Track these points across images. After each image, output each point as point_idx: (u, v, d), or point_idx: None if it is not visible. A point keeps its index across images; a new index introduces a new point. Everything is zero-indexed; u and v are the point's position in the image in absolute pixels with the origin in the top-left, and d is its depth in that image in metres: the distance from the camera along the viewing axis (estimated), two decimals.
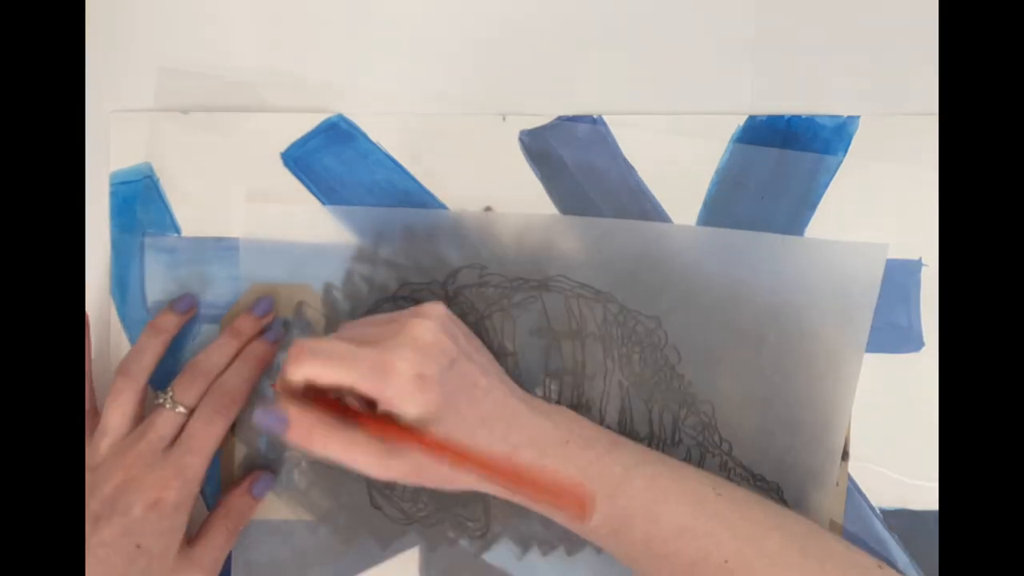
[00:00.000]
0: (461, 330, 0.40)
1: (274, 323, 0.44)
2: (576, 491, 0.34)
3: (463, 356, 0.38)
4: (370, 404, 0.37)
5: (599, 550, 0.44)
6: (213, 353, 0.42)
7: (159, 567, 0.39)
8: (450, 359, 0.37)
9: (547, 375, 0.44)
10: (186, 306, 0.43)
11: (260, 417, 0.36)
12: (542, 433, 0.39)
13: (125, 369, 0.41)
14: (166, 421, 0.40)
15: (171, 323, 0.43)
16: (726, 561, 0.36)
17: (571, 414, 0.41)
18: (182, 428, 0.41)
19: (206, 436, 0.40)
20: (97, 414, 0.42)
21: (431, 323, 0.37)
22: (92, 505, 0.38)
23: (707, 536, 0.37)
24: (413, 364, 0.36)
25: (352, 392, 0.36)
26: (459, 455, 0.35)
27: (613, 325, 0.44)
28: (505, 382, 0.40)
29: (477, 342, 0.41)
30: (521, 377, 0.44)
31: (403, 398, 0.35)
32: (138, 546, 0.38)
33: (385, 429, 0.36)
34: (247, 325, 0.43)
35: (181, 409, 0.40)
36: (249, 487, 0.43)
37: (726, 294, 0.44)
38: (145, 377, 0.41)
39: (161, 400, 0.41)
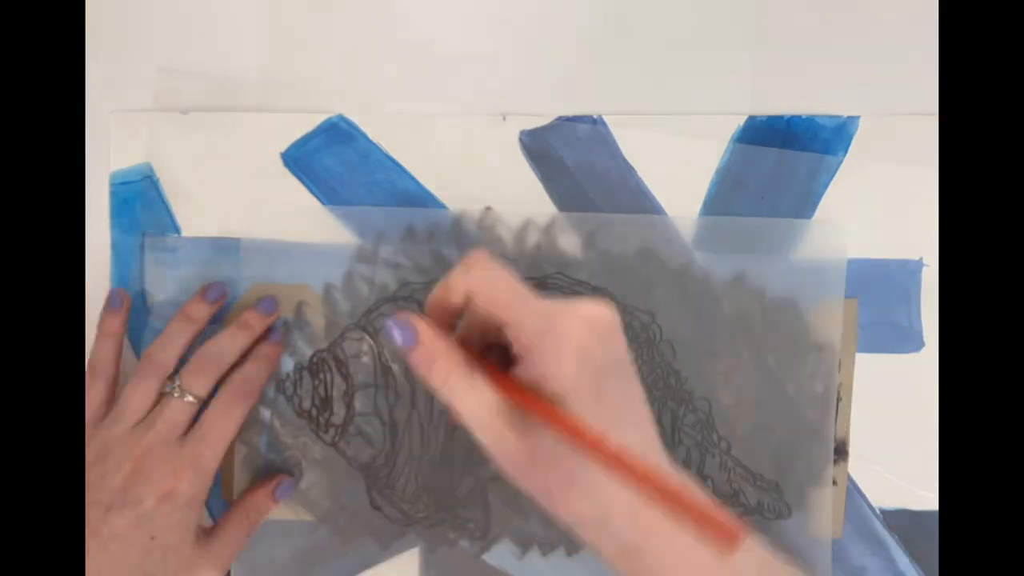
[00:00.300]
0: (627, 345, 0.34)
1: (276, 325, 0.44)
2: (729, 522, 0.28)
3: (630, 367, 0.33)
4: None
5: None
6: (222, 341, 0.42)
7: (175, 560, 0.39)
8: (618, 360, 0.32)
9: None
10: (217, 295, 0.43)
11: (391, 327, 0.33)
12: None
13: (151, 356, 0.41)
14: (175, 410, 0.40)
15: (202, 312, 0.42)
16: None
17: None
18: (191, 418, 0.40)
19: (223, 427, 0.40)
20: (113, 401, 0.42)
21: (614, 312, 0.32)
22: (102, 495, 0.38)
23: None
24: (583, 336, 0.31)
25: (498, 338, 0.33)
26: (604, 445, 0.29)
27: None
28: (653, 422, 0.34)
29: (635, 364, 0.34)
30: None
31: (558, 362, 0.30)
32: (153, 538, 0.38)
33: (523, 393, 0.31)
34: (255, 319, 0.43)
35: (190, 398, 0.40)
36: (273, 489, 0.43)
37: (716, 285, 0.44)
38: (171, 366, 0.41)
39: (169, 389, 0.40)
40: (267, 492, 0.43)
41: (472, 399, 0.32)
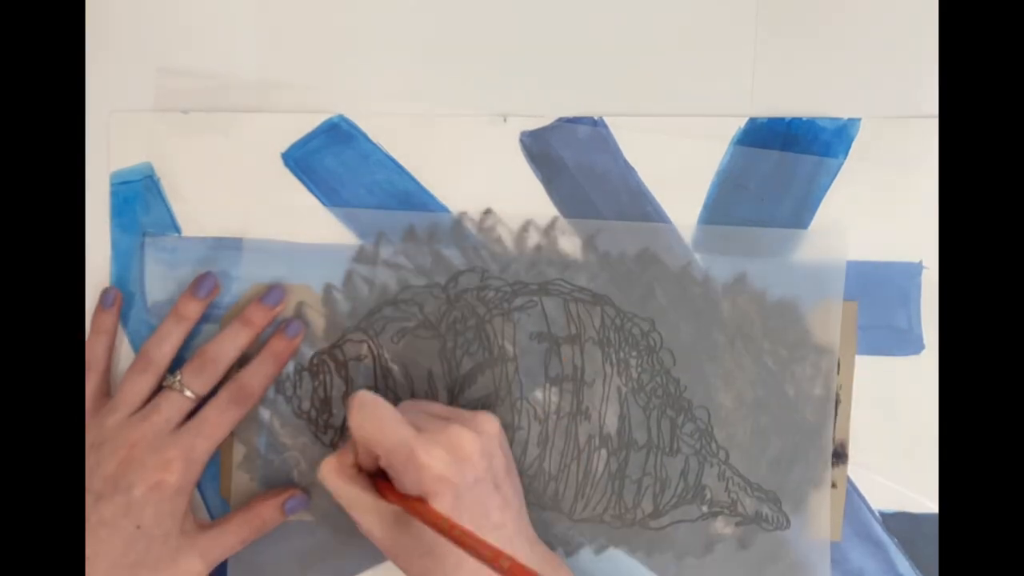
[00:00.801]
0: (504, 457, 0.39)
1: (295, 320, 0.44)
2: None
3: (491, 482, 0.38)
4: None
5: (597, 551, 0.44)
6: (224, 341, 0.42)
7: (159, 549, 0.39)
8: (476, 477, 0.37)
9: (547, 381, 0.44)
10: (207, 290, 0.43)
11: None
12: None
13: (146, 352, 0.42)
14: (172, 404, 0.40)
15: (193, 309, 0.43)
16: None
17: (561, 562, 0.41)
18: (188, 414, 0.41)
19: (218, 423, 0.41)
20: (107, 393, 0.43)
21: (475, 437, 0.37)
22: (94, 483, 0.39)
23: None
24: (442, 465, 0.36)
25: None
26: (461, 529, 0.34)
27: (611, 329, 0.44)
28: (520, 526, 0.39)
29: (514, 476, 0.40)
30: (522, 383, 0.44)
31: (420, 486, 0.36)
32: (138, 527, 0.39)
33: (401, 497, 0.37)
34: (258, 315, 0.43)
35: (189, 394, 0.41)
36: (283, 503, 0.43)
37: (716, 287, 0.44)
38: (166, 363, 0.42)
39: (169, 383, 0.41)
40: (277, 504, 0.43)
41: (348, 491, 0.38)
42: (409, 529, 0.37)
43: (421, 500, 0.36)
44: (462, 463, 0.36)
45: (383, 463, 0.37)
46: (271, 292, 0.43)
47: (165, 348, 0.42)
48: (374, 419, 0.36)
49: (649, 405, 0.44)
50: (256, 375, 0.42)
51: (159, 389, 0.41)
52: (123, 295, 0.44)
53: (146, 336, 0.44)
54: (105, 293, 0.44)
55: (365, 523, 0.38)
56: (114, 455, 0.39)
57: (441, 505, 0.35)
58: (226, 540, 0.42)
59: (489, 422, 0.39)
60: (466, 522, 0.35)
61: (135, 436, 0.39)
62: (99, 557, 0.38)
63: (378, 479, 0.38)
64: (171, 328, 0.42)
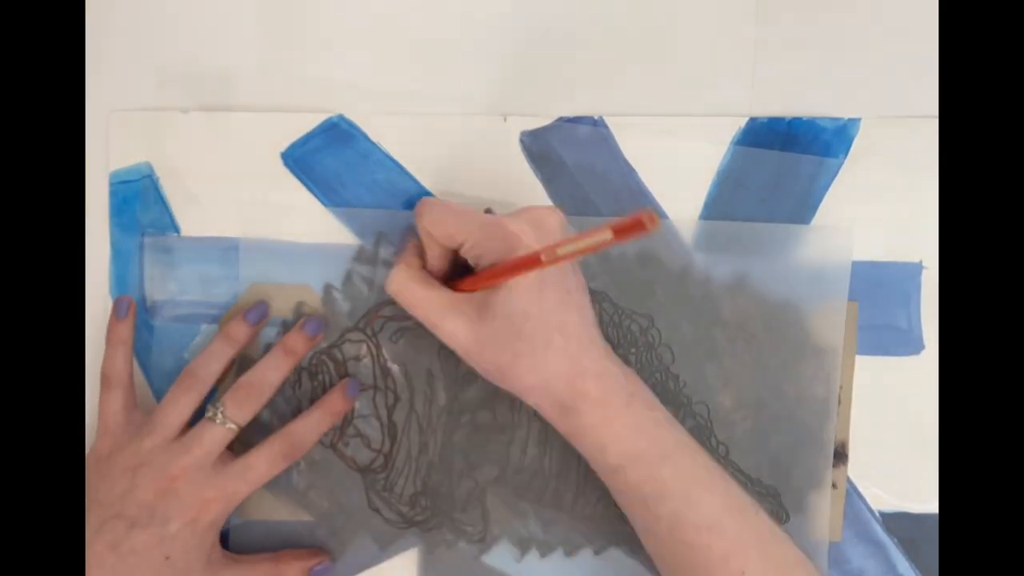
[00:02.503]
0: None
1: (352, 382, 0.43)
2: (632, 215, 0.30)
3: (568, 265, 0.38)
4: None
5: (597, 551, 0.44)
6: (267, 371, 0.41)
7: None
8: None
9: None
10: (258, 317, 0.43)
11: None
12: (610, 376, 0.38)
13: (193, 371, 0.41)
14: (214, 436, 0.40)
15: (243, 333, 0.42)
16: (743, 573, 0.37)
17: (637, 378, 0.40)
18: (228, 444, 0.40)
19: (262, 474, 0.40)
20: (134, 407, 0.42)
21: (555, 211, 0.38)
22: (127, 508, 0.38)
23: (736, 540, 0.37)
24: (531, 235, 0.36)
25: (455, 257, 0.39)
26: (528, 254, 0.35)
27: (609, 326, 0.44)
28: (591, 313, 0.39)
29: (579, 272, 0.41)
30: None
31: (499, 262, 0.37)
32: (167, 558, 0.38)
33: (474, 278, 0.38)
34: (300, 343, 0.42)
35: (231, 426, 0.40)
36: (310, 567, 0.42)
37: (716, 288, 0.44)
38: (211, 382, 0.41)
39: (211, 414, 0.40)
40: (303, 569, 0.42)
41: (425, 295, 0.39)
42: (495, 317, 0.37)
43: (519, 260, 0.36)
44: (547, 235, 0.37)
45: (466, 248, 0.38)
46: (309, 323, 0.43)
47: (212, 368, 0.41)
48: (451, 211, 0.38)
49: None
50: (308, 429, 0.41)
51: (200, 410, 0.41)
52: (120, 293, 0.44)
53: (143, 335, 0.44)
54: (119, 302, 0.43)
55: (449, 325, 0.38)
56: (153, 483, 0.39)
57: (527, 280, 0.36)
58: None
59: (556, 210, 0.39)
60: (550, 296, 0.37)
61: (176, 468, 0.39)
62: None
63: (453, 281, 0.39)
64: (219, 349, 0.42)
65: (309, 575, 0.42)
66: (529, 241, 0.36)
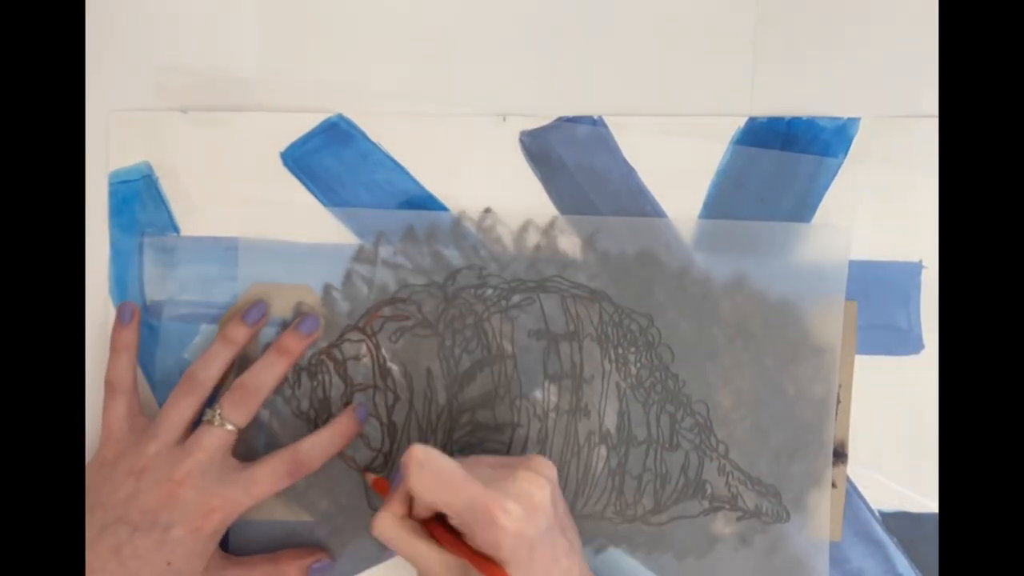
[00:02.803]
0: (562, 500, 0.39)
1: (360, 409, 0.43)
2: None
3: (558, 527, 0.37)
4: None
5: (597, 551, 0.44)
6: (263, 372, 0.42)
7: None
8: (548, 525, 0.36)
9: (546, 378, 0.44)
10: (256, 317, 0.43)
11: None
12: None
13: (192, 375, 0.41)
14: (215, 439, 0.40)
15: (241, 335, 0.42)
16: None
17: None
18: (231, 445, 0.40)
19: (266, 487, 0.40)
20: (139, 413, 0.42)
21: (545, 483, 0.37)
22: (131, 513, 0.38)
23: None
24: (518, 520, 0.35)
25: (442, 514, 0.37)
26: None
27: (609, 325, 0.44)
28: (583, 568, 0.39)
29: (571, 518, 0.40)
30: (521, 381, 0.44)
31: (498, 546, 0.35)
32: (168, 564, 0.38)
33: (464, 550, 0.36)
34: (295, 342, 0.43)
35: (230, 427, 0.40)
36: (309, 565, 0.43)
37: (716, 287, 0.44)
38: (211, 385, 0.41)
39: (209, 417, 0.40)
40: (302, 567, 0.43)
41: (411, 545, 0.37)
42: None
43: (493, 565, 0.35)
44: (535, 513, 0.36)
45: (454, 521, 0.36)
46: (305, 321, 0.43)
47: (212, 371, 0.41)
48: (439, 479, 0.36)
49: (648, 401, 0.44)
50: (316, 450, 0.41)
51: (201, 421, 0.41)
52: (122, 295, 0.44)
53: (145, 337, 0.44)
54: (123, 308, 0.43)
55: (431, 573, 0.37)
56: (156, 488, 0.39)
57: (518, 561, 0.35)
58: None
59: (547, 465, 0.38)
60: (539, 571, 0.36)
61: (180, 473, 0.39)
62: None
63: (433, 526, 0.38)
64: (218, 351, 0.42)
65: (308, 573, 0.43)
66: (518, 528, 0.35)
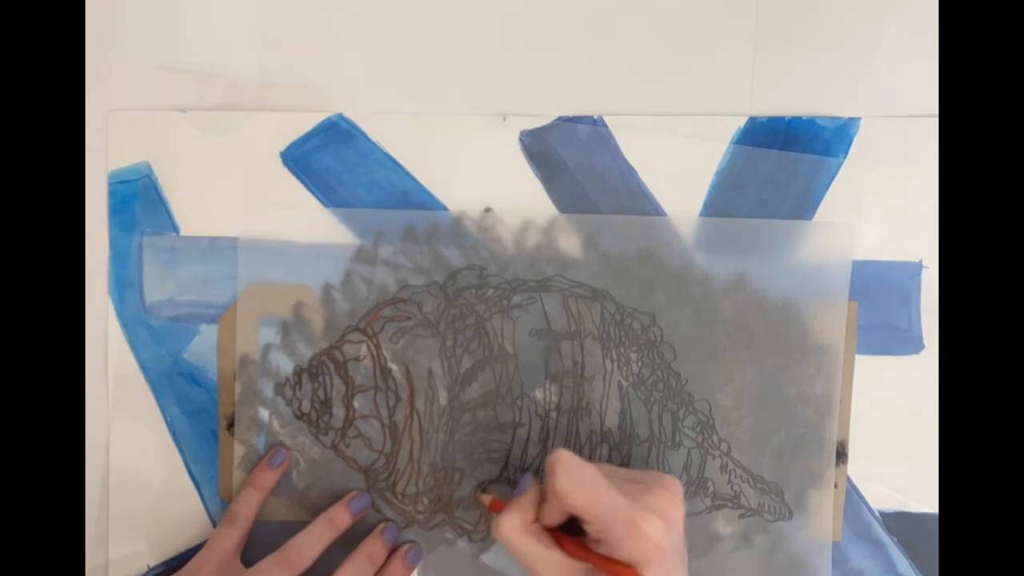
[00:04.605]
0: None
1: (357, 500, 0.44)
2: None
3: (681, 544, 0.38)
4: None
5: None
6: (307, 541, 0.42)
7: None
8: (679, 542, 0.37)
9: (548, 378, 0.44)
10: (279, 460, 0.44)
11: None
12: None
13: (290, 550, 0.42)
14: None
15: (344, 521, 0.43)
16: None
17: None
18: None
19: None
20: (239, 552, 0.43)
21: (679, 503, 0.38)
22: None
23: None
24: (660, 534, 0.36)
25: (579, 521, 0.37)
26: None
27: (610, 324, 0.44)
28: None
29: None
30: (522, 380, 0.44)
31: (635, 556, 0.36)
32: None
33: (593, 555, 0.37)
34: (343, 517, 0.43)
35: None
36: (348, 503, 0.43)
37: (716, 287, 0.44)
38: (306, 566, 0.42)
39: None
40: (343, 506, 0.43)
41: (536, 551, 0.37)
42: None
43: (628, 567, 0.36)
44: (672, 528, 0.37)
45: (592, 528, 0.37)
46: (358, 498, 0.44)
47: (313, 550, 0.42)
48: (584, 483, 0.36)
49: (650, 399, 0.44)
50: (307, 547, 0.42)
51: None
52: (121, 295, 0.44)
53: (141, 334, 0.44)
54: (276, 452, 0.44)
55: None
56: None
57: (654, 571, 0.36)
58: None
59: (677, 484, 0.39)
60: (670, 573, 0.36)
61: None
62: None
63: (559, 534, 0.38)
64: (322, 531, 0.43)
65: (350, 508, 0.43)
66: (659, 540, 0.36)
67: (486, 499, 0.42)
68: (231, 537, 0.43)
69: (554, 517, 0.38)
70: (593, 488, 0.36)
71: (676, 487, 0.38)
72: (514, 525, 0.38)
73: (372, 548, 0.43)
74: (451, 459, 0.44)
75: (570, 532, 0.38)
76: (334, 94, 0.44)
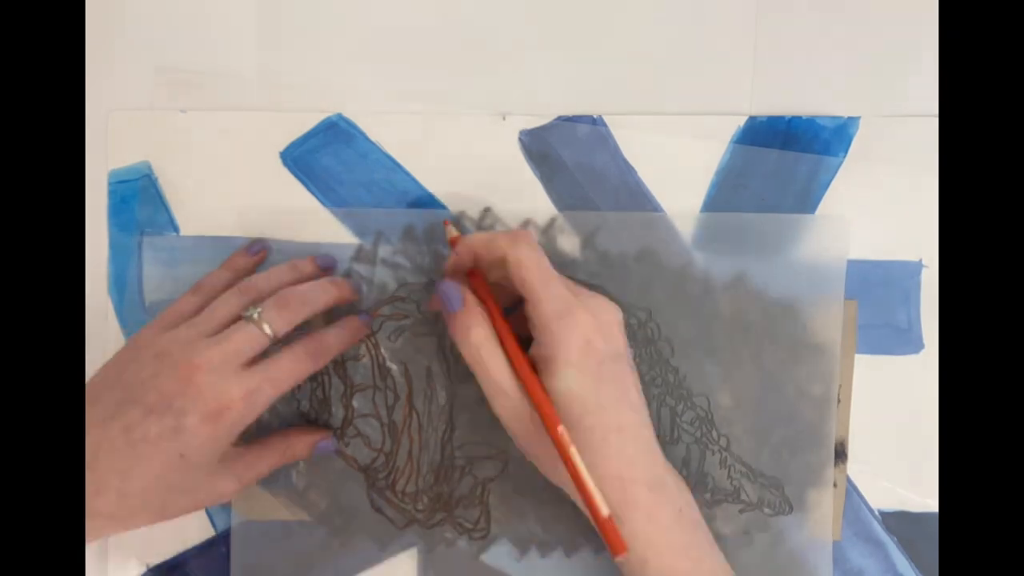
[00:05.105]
0: (629, 347, 0.40)
1: (363, 314, 0.43)
2: (620, 540, 0.35)
3: (627, 359, 0.38)
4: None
5: (597, 551, 0.44)
6: (314, 288, 0.40)
7: (196, 475, 0.38)
8: (617, 352, 0.38)
9: None
10: (257, 249, 0.44)
11: (445, 288, 0.38)
12: (663, 486, 0.38)
13: (253, 281, 0.41)
14: (248, 337, 0.38)
15: (307, 269, 0.42)
16: None
17: (687, 487, 0.40)
18: (260, 352, 0.38)
19: (290, 373, 0.38)
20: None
21: (617, 311, 0.39)
22: (148, 395, 0.36)
23: None
24: (591, 328, 0.37)
25: (514, 307, 0.38)
26: (566, 458, 0.36)
27: None
28: (647, 415, 0.39)
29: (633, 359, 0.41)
30: None
31: (567, 345, 0.36)
32: (181, 456, 0.36)
33: (528, 372, 0.37)
34: (348, 286, 0.42)
35: (267, 330, 0.38)
36: (315, 442, 0.43)
37: (715, 286, 0.44)
38: (264, 296, 0.40)
39: (249, 314, 0.38)
40: (309, 443, 0.42)
41: (496, 368, 0.37)
42: (543, 431, 0.37)
43: (554, 418, 0.36)
44: (607, 332, 0.37)
45: (530, 308, 0.37)
46: (325, 258, 0.43)
47: (272, 283, 0.41)
48: (541, 264, 0.37)
49: (648, 395, 0.44)
50: (336, 337, 0.41)
51: (240, 316, 0.39)
52: (121, 295, 0.44)
53: None
54: (256, 241, 0.44)
55: (500, 408, 0.38)
56: (174, 371, 0.37)
57: (585, 360, 0.36)
58: (260, 465, 0.41)
59: (619, 309, 0.39)
60: (608, 391, 0.37)
61: (201, 359, 0.37)
62: (135, 473, 0.36)
63: (506, 334, 0.38)
64: (282, 272, 0.42)
65: (316, 448, 0.43)
66: (589, 335, 0.37)
67: (452, 231, 0.42)
68: (188, 304, 0.41)
69: (494, 275, 0.39)
70: (546, 271, 0.38)
71: (618, 311, 0.39)
72: (485, 335, 0.38)
73: (340, 281, 0.42)
74: (450, 457, 0.44)
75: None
76: (334, 94, 0.44)
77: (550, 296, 0.37)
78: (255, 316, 0.38)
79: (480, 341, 0.38)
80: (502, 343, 0.38)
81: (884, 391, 0.44)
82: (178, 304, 0.41)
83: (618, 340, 0.38)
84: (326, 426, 0.44)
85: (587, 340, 0.36)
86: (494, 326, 0.38)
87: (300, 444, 0.42)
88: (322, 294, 0.41)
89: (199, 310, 0.40)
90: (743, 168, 0.44)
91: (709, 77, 0.44)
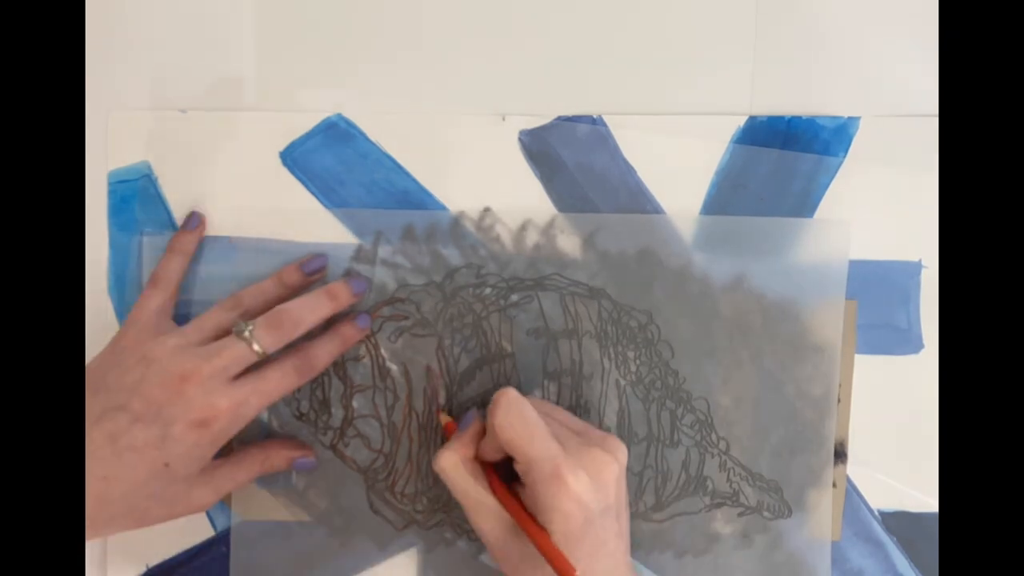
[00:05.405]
0: (625, 487, 0.40)
1: (363, 315, 0.43)
2: None
3: (615, 511, 0.38)
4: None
5: None
6: (305, 307, 0.40)
7: (177, 487, 0.38)
8: (606, 506, 0.37)
9: (546, 377, 0.44)
10: (315, 267, 0.43)
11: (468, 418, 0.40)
12: None
13: (239, 296, 0.41)
14: (238, 354, 0.38)
15: (296, 279, 0.42)
16: None
17: None
18: (248, 366, 0.39)
19: (278, 386, 0.39)
20: (170, 314, 0.42)
21: (616, 467, 0.38)
22: (134, 402, 0.37)
23: None
24: (584, 489, 0.36)
25: (510, 457, 0.38)
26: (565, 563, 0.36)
27: (608, 322, 0.44)
28: (627, 556, 0.39)
29: (628, 506, 0.40)
30: (520, 379, 0.44)
31: (555, 508, 0.36)
32: (166, 465, 0.37)
33: (516, 506, 0.38)
34: (343, 293, 0.42)
35: (257, 348, 0.38)
36: (294, 458, 0.43)
37: (715, 287, 0.44)
38: (254, 313, 0.40)
39: (240, 330, 0.39)
40: (287, 457, 0.43)
41: (468, 487, 0.38)
42: (524, 539, 0.37)
43: (541, 529, 0.36)
44: (600, 490, 0.37)
45: (520, 468, 0.37)
46: (354, 281, 0.43)
47: (259, 300, 0.41)
48: (523, 424, 0.37)
49: (648, 398, 0.44)
50: (323, 350, 0.41)
51: (232, 331, 0.39)
52: (121, 294, 0.44)
53: None
54: (190, 216, 0.44)
55: (480, 522, 0.38)
56: (162, 380, 0.37)
57: (568, 530, 0.36)
58: (238, 476, 0.41)
59: (621, 449, 0.39)
60: (586, 548, 0.36)
61: (189, 369, 0.37)
62: (118, 480, 0.36)
63: (491, 472, 0.39)
64: (270, 287, 0.42)
65: (293, 465, 0.43)
66: (581, 495, 0.36)
67: (444, 419, 0.43)
68: (154, 299, 0.41)
69: (490, 452, 0.39)
70: (529, 429, 0.37)
71: (619, 452, 0.38)
72: (452, 459, 0.39)
73: (336, 287, 0.42)
74: None
75: (507, 477, 0.38)
76: (334, 95, 0.44)
77: (538, 457, 0.36)
78: (246, 333, 0.39)
79: (450, 465, 0.39)
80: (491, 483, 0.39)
81: (884, 391, 0.44)
82: (143, 302, 0.41)
83: (610, 494, 0.37)
84: (326, 427, 0.44)
85: (577, 502, 0.36)
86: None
87: (278, 457, 0.43)
88: (315, 312, 0.41)
89: (166, 304, 0.42)
90: (743, 168, 0.44)
91: (709, 77, 0.44)
